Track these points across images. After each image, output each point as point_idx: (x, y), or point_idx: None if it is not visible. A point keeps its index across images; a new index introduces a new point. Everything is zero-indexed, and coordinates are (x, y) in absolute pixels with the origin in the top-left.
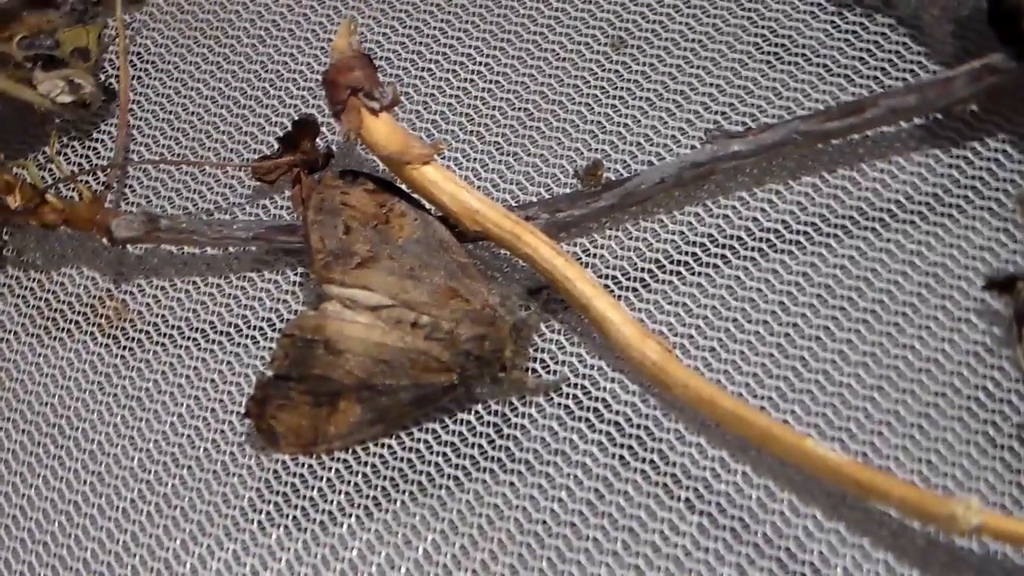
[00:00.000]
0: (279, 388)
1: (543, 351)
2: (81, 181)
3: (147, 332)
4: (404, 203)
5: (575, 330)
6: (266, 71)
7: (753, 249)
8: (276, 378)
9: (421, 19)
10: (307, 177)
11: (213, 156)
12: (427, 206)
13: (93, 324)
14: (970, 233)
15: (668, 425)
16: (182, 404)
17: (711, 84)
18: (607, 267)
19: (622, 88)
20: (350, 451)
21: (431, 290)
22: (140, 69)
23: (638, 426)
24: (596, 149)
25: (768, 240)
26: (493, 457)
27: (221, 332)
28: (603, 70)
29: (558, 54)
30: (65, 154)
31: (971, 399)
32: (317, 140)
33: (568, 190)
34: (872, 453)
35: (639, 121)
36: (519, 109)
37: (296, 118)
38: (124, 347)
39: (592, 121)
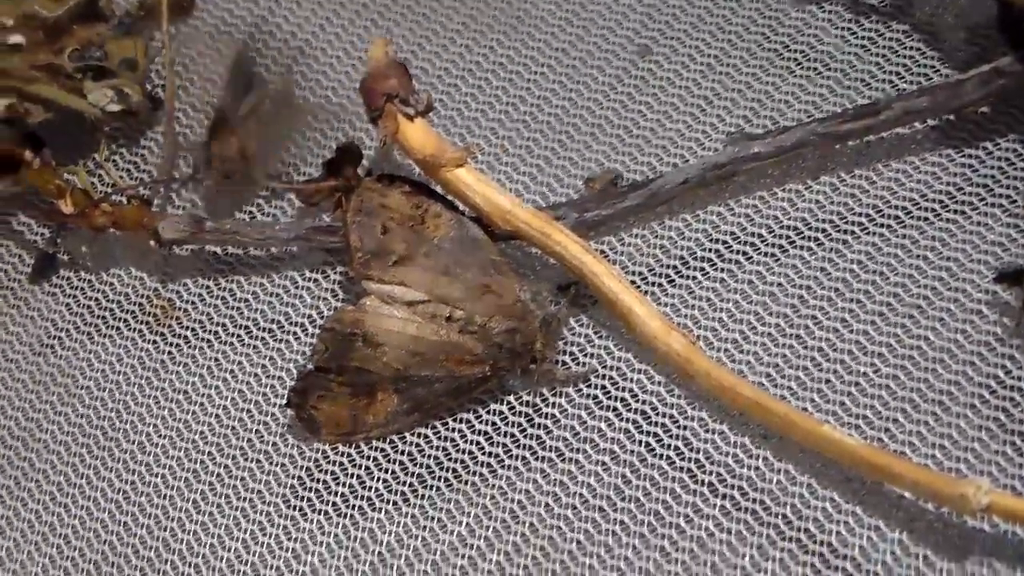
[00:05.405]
0: (319, 380)
1: (572, 344)
2: (130, 186)
3: (193, 329)
4: (439, 204)
5: (603, 324)
6: (306, 80)
7: (774, 245)
8: (317, 370)
9: (456, 30)
10: (348, 203)
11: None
12: (461, 207)
13: (141, 322)
14: (982, 229)
15: (692, 413)
16: (227, 397)
17: (733, 90)
18: (634, 264)
19: (648, 94)
20: (387, 440)
21: (465, 286)
22: (185, 79)
23: (663, 414)
24: (623, 152)
25: (788, 237)
26: (524, 445)
27: (264, 329)
28: (630, 76)
29: (587, 61)
30: (114, 160)
31: (983, 387)
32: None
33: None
34: (887, 438)
35: (664, 125)
36: (549, 115)
37: (341, 141)
38: (171, 343)
39: (620, 125)
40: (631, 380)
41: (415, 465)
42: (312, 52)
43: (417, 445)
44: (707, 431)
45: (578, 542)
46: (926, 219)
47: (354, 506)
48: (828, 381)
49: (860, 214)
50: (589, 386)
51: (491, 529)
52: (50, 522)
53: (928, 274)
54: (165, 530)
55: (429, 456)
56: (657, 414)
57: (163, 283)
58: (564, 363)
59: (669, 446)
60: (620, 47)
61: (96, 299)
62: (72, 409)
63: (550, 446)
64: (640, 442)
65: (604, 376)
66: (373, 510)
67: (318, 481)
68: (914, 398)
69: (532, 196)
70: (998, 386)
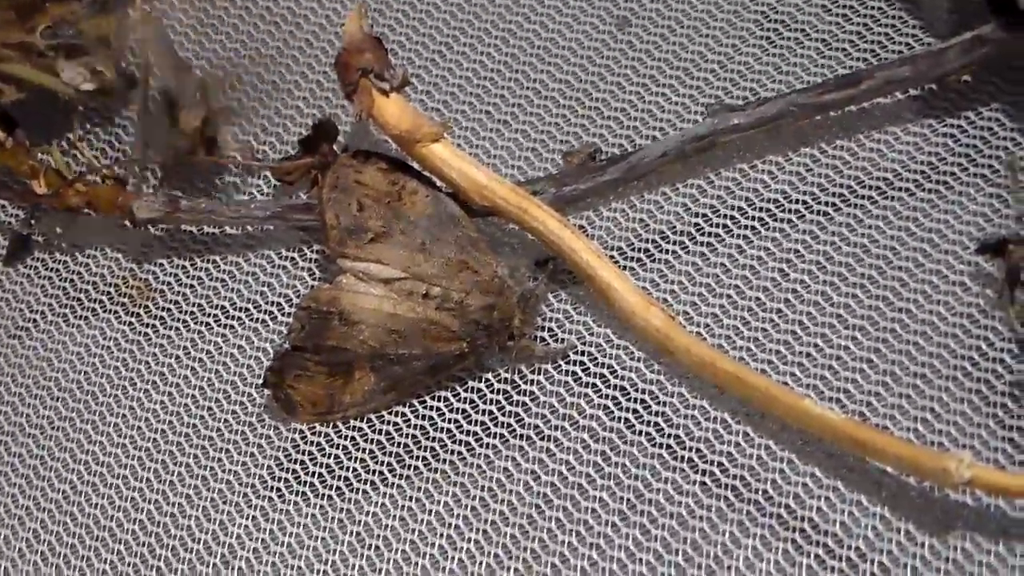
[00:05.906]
0: (296, 359)
1: (551, 320)
2: (104, 166)
3: (168, 310)
4: (415, 180)
5: (581, 300)
6: (282, 56)
7: (753, 219)
8: (293, 349)
9: (432, 2)
10: (324, 179)
11: (232, 140)
12: (438, 183)
13: (116, 303)
14: (964, 199)
15: (672, 389)
16: (203, 378)
17: (713, 61)
18: (612, 239)
19: (627, 66)
20: (365, 420)
21: (442, 263)
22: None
23: (643, 391)
24: (602, 125)
25: (768, 210)
26: (503, 423)
27: (241, 308)
28: (609, 49)
29: (565, 34)
30: (88, 140)
31: (965, 359)
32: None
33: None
34: (869, 412)
35: (643, 98)
36: (527, 89)
37: (316, 118)
38: (146, 324)
39: (598, 98)
40: (610, 356)
41: (393, 445)
42: (287, 28)
43: (395, 424)
44: (687, 407)
45: (557, 519)
46: (908, 190)
47: (332, 487)
48: (808, 355)
49: (841, 186)
50: (568, 363)
51: (470, 507)
52: (27, 506)
53: (910, 246)
54: (142, 512)
55: (407, 435)
56: (636, 390)
57: (138, 263)
58: (542, 339)
59: (649, 423)
60: (599, 19)
61: (71, 280)
62: (47, 392)
63: (528, 424)
64: (619, 419)
65: (583, 352)
66: (351, 491)
67: (295, 462)
68: (895, 371)
69: (510, 171)
70: (980, 358)
